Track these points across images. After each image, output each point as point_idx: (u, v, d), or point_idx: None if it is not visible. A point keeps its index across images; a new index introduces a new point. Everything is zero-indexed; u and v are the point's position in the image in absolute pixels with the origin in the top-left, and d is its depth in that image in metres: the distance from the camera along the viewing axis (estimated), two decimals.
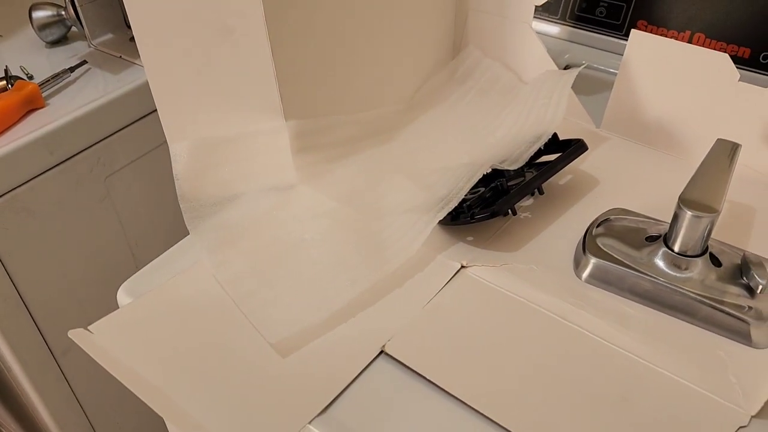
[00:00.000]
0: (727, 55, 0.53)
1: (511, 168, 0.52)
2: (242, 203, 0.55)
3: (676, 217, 0.44)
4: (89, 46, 0.91)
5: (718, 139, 0.48)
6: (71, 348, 0.85)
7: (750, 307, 0.42)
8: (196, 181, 0.54)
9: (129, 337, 0.45)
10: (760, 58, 0.65)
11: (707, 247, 0.45)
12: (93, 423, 0.93)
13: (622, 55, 0.59)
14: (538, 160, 0.56)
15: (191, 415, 0.40)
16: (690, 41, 0.69)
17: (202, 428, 0.39)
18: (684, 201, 0.43)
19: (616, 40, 0.74)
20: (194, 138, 0.55)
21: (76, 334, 0.45)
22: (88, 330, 0.45)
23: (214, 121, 0.55)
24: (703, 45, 0.68)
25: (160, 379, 0.42)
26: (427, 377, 0.41)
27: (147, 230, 0.91)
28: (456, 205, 0.50)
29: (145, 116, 0.84)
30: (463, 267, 0.49)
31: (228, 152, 0.55)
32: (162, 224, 0.93)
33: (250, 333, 0.45)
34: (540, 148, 0.54)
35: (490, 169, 0.51)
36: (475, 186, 0.51)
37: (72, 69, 0.83)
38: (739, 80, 0.53)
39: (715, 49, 0.64)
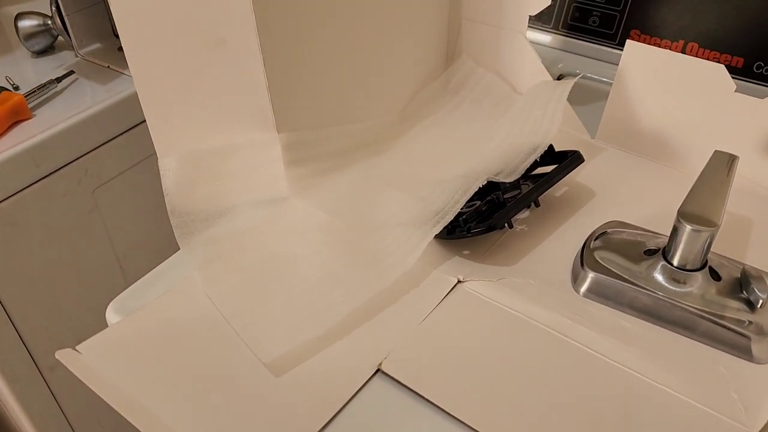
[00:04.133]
0: (723, 65, 0.52)
1: (507, 180, 0.51)
2: (233, 217, 0.54)
3: (675, 231, 0.43)
4: (76, 56, 0.90)
5: (715, 150, 0.47)
6: (59, 364, 0.83)
7: (750, 322, 0.42)
8: (187, 195, 0.53)
9: (118, 357, 0.44)
10: (754, 68, 0.65)
11: (707, 261, 0.44)
12: None
13: (616, 64, 0.59)
14: (533, 172, 0.55)
15: None
16: (683, 51, 0.69)
17: None
18: (683, 215, 0.42)
19: (610, 49, 0.74)
20: (184, 151, 0.54)
21: (63, 355, 0.43)
22: (76, 350, 0.44)
23: (205, 133, 0.55)
24: (696, 54, 0.68)
25: (150, 401, 0.41)
26: (425, 396, 0.40)
27: (136, 243, 0.90)
28: (452, 218, 0.49)
29: (133, 127, 0.83)
30: (459, 282, 0.48)
31: (219, 165, 0.54)
32: (151, 237, 0.91)
33: (243, 352, 0.44)
34: (536, 160, 0.54)
35: (485, 182, 0.51)
36: (471, 199, 0.51)
37: (59, 79, 0.82)
38: (735, 91, 0.53)
39: (708, 58, 0.65)
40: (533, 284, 0.47)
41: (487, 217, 0.49)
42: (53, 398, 0.85)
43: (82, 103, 0.79)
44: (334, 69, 0.56)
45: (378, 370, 0.42)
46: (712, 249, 0.44)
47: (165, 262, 0.52)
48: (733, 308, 0.43)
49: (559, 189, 0.56)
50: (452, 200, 0.51)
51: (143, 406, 0.40)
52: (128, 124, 0.82)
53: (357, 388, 0.41)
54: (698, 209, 0.43)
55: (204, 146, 0.54)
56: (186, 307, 0.47)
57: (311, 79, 0.54)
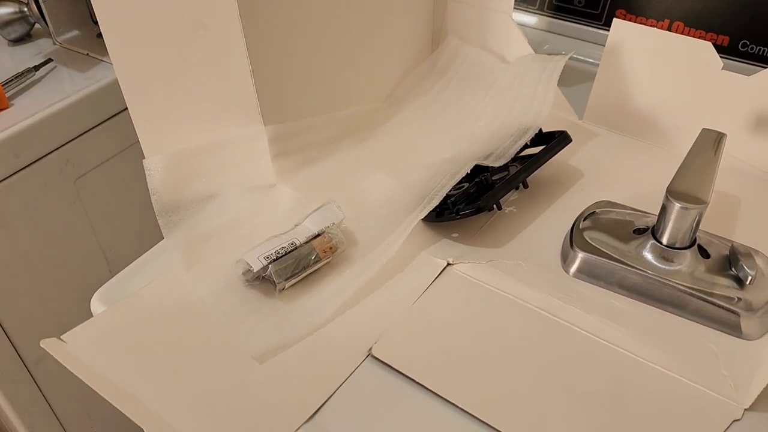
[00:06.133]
0: (710, 43, 0.52)
1: (497, 164, 0.51)
2: (221, 211, 0.53)
3: (664, 210, 0.43)
4: (54, 44, 0.88)
5: (703, 128, 0.47)
6: (44, 357, 0.82)
7: (739, 299, 0.42)
8: (174, 194, 0.52)
9: (104, 346, 0.43)
10: (739, 46, 0.65)
11: (695, 239, 0.44)
12: None
13: (602, 45, 0.58)
14: (521, 153, 0.55)
15: (172, 425, 0.38)
16: (669, 30, 0.68)
17: None
18: (672, 193, 0.42)
19: (596, 30, 0.73)
20: (168, 150, 0.52)
21: (48, 344, 0.43)
22: (61, 339, 0.43)
23: (192, 127, 0.53)
24: (682, 33, 0.68)
25: (137, 389, 0.40)
26: (416, 379, 0.40)
27: (120, 233, 0.88)
28: (438, 202, 0.49)
29: (115, 115, 0.81)
30: (449, 264, 0.48)
31: (205, 163, 0.53)
32: (136, 226, 0.90)
33: (230, 338, 0.43)
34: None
35: (473, 165, 0.50)
36: (459, 181, 0.50)
37: (36, 68, 0.81)
38: (722, 69, 0.53)
39: (694, 37, 0.64)
40: (523, 265, 0.47)
41: (476, 199, 0.48)
42: (40, 392, 0.84)
43: (61, 91, 0.77)
44: (319, 55, 0.55)
45: (369, 355, 0.42)
46: (700, 227, 0.44)
47: (149, 251, 0.51)
48: (722, 285, 0.43)
49: (548, 170, 0.56)
50: (440, 184, 0.50)
51: (130, 394, 0.40)
52: (109, 112, 0.81)
53: (348, 374, 0.41)
54: (687, 187, 0.42)
55: (190, 142, 0.53)
56: (171, 296, 0.46)
57: (297, 67, 0.53)
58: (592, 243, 0.46)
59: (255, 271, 0.45)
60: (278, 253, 0.45)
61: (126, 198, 0.87)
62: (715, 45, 0.56)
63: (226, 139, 0.53)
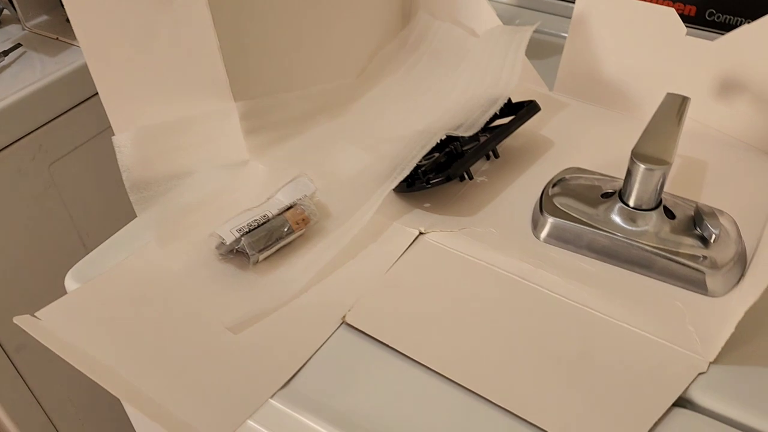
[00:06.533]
0: (673, 9, 0.53)
1: (467, 134, 0.51)
2: (194, 188, 0.53)
3: (629, 172, 0.44)
4: (23, 29, 0.87)
5: (667, 93, 0.48)
6: (26, 345, 0.82)
7: (704, 257, 0.43)
8: (145, 171, 0.52)
9: (79, 322, 0.43)
10: (706, 15, 0.66)
11: (661, 200, 0.45)
12: (52, 419, 0.90)
13: (571, 18, 0.59)
14: (492, 125, 0.55)
15: (148, 395, 0.39)
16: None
17: (161, 408, 0.38)
18: (637, 155, 0.43)
19: (564, 3, 0.74)
20: (139, 127, 0.52)
21: (22, 321, 0.43)
22: (35, 316, 0.43)
23: (161, 105, 0.53)
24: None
25: (114, 361, 0.40)
26: (389, 344, 0.41)
27: (97, 218, 0.88)
28: (408, 173, 0.49)
29: (87, 99, 0.81)
30: (421, 233, 0.48)
31: (176, 139, 0.53)
32: (112, 210, 0.90)
33: (203, 313, 0.43)
34: (495, 113, 0.54)
35: (444, 136, 0.51)
36: (430, 151, 0.51)
37: (6, 53, 0.80)
38: (686, 35, 0.53)
39: None
40: (494, 232, 0.48)
41: (446, 168, 0.49)
42: (21, 379, 0.83)
43: (31, 76, 0.77)
44: (289, 30, 0.55)
45: (342, 323, 0.42)
46: (667, 190, 0.45)
47: (123, 229, 0.51)
48: (688, 245, 0.44)
49: (519, 140, 0.56)
50: (410, 155, 0.50)
51: (106, 366, 0.40)
52: (81, 97, 0.80)
53: (322, 341, 0.41)
54: (651, 149, 0.43)
55: (160, 120, 0.53)
56: (146, 272, 0.46)
57: (266, 42, 0.53)
58: (561, 208, 0.47)
59: (228, 244, 0.45)
60: (251, 225, 0.45)
61: (102, 182, 0.87)
62: (682, 15, 0.57)
63: (197, 116, 0.53)
